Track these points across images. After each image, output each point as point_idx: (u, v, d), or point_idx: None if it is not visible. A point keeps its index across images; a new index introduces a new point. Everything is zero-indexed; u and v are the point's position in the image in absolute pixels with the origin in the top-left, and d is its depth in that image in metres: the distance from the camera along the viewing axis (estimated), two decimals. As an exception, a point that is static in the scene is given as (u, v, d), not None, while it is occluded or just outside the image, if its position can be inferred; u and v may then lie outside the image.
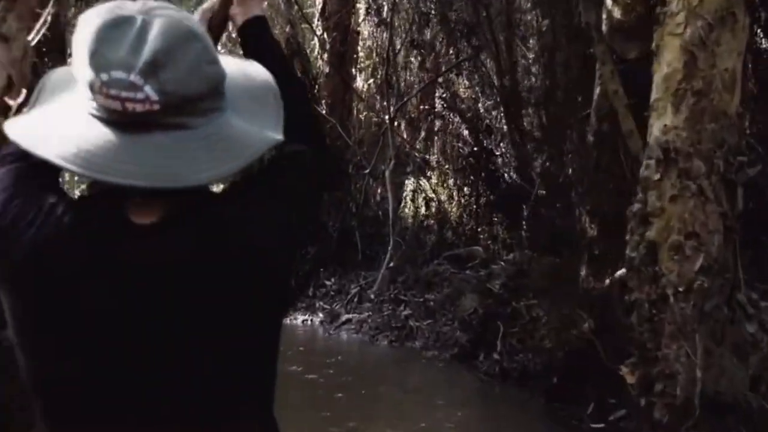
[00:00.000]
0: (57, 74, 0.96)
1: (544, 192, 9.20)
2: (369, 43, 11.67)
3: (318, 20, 11.09)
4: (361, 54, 11.68)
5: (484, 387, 6.24)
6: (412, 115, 10.54)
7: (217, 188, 1.04)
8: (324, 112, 10.70)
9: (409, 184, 11.54)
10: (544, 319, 6.57)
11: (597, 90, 5.20)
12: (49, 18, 2.29)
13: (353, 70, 11.44)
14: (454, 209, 10.96)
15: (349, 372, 7.34)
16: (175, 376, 0.89)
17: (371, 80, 11.38)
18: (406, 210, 11.86)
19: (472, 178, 10.59)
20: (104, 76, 0.80)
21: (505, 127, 9.84)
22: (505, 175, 10.40)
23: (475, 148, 10.18)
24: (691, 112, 3.25)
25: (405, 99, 9.91)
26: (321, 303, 9.81)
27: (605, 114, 5.07)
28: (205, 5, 1.25)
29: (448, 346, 7.54)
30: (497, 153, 10.21)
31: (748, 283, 3.60)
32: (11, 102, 1.99)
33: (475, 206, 10.80)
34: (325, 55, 11.04)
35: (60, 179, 0.98)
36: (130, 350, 0.87)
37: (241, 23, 1.22)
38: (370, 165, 10.07)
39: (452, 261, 9.81)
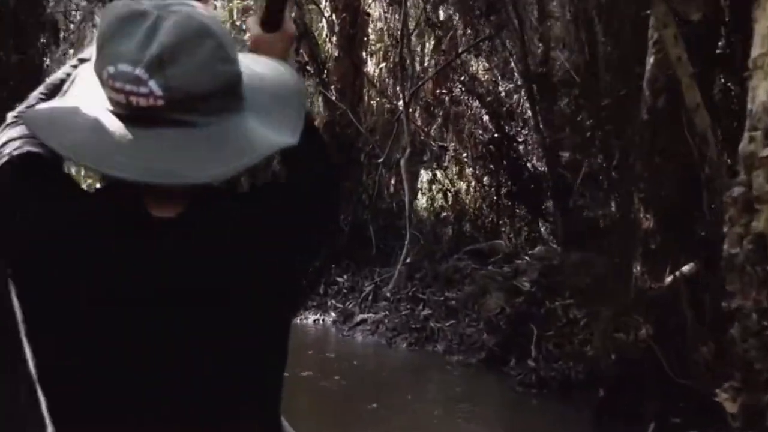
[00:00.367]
0: (87, 66, 0.94)
1: (572, 181, 8.51)
2: (380, 24, 10.97)
3: (326, 1, 10.40)
4: (372, 36, 10.99)
5: (519, 398, 5.58)
6: (428, 100, 9.84)
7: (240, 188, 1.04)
8: (333, 98, 10.03)
9: (425, 174, 10.86)
10: (583, 322, 5.90)
11: (650, 59, 4.50)
12: None
13: (364, 53, 10.74)
14: (473, 200, 10.28)
15: (365, 378, 6.71)
16: (176, 374, 0.88)
17: (383, 64, 10.68)
18: (422, 202, 11.20)
19: (492, 166, 9.91)
20: (111, 69, 0.80)
21: (528, 111, 9.14)
22: (528, 163, 9.71)
23: (496, 135, 9.50)
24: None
25: (420, 82, 9.21)
26: (333, 301, 9.15)
27: (662, 87, 4.39)
28: None
29: (473, 350, 6.88)
30: (520, 140, 9.50)
31: None
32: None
33: (495, 197, 10.13)
34: (334, 38, 10.37)
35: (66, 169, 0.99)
36: (132, 347, 0.87)
37: None
38: (384, 154, 9.39)
39: (473, 256, 9.14)
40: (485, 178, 10.09)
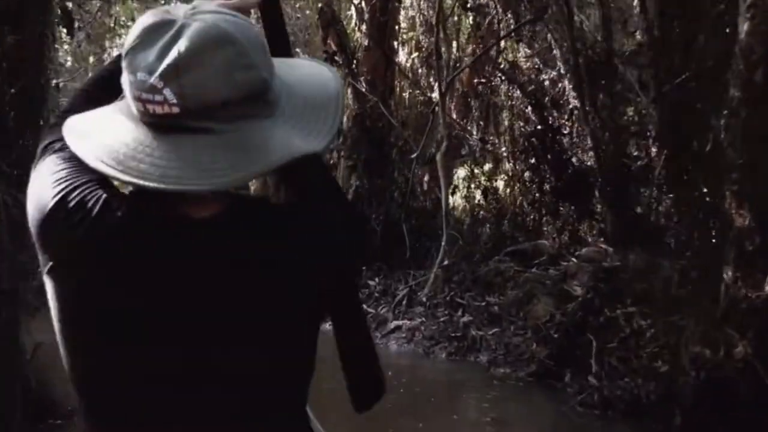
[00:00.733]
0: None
1: (627, 174, 7.78)
2: (412, 12, 10.34)
3: (355, -13, 9.83)
4: (403, 25, 10.36)
5: (579, 420, 4.91)
6: (464, 91, 9.17)
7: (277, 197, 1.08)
8: (363, 90, 9.42)
9: (460, 170, 10.19)
10: (649, 333, 5.21)
11: (744, 26, 3.81)
12: None
13: (395, 42, 10.12)
14: (513, 198, 9.59)
15: (400, 392, 6.08)
16: (209, 376, 0.88)
17: (416, 54, 10.05)
18: (457, 200, 10.54)
19: (534, 161, 9.20)
20: (132, 78, 0.82)
21: (575, 100, 8.43)
22: (573, 157, 8.99)
23: (539, 127, 8.79)
24: None
25: (458, 71, 8.55)
26: (364, 306, 8.48)
27: (759, 58, 3.69)
28: None
29: (522, 363, 6.22)
30: (564, 131, 8.79)
31: None
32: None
33: (537, 194, 9.42)
34: (364, 26, 9.77)
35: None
36: (166, 347, 0.88)
37: None
38: (418, 148, 8.75)
39: (515, 257, 8.47)
40: (526, 174, 9.39)
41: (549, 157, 8.69)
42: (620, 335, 5.30)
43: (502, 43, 8.91)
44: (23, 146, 4.31)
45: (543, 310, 6.80)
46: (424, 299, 8.09)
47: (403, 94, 10.06)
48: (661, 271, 5.24)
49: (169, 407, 0.89)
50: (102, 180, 0.88)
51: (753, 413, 3.66)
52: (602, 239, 8.65)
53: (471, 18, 9.10)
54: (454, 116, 9.85)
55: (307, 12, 13.90)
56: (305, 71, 0.95)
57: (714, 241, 4.08)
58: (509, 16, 8.76)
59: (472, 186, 9.61)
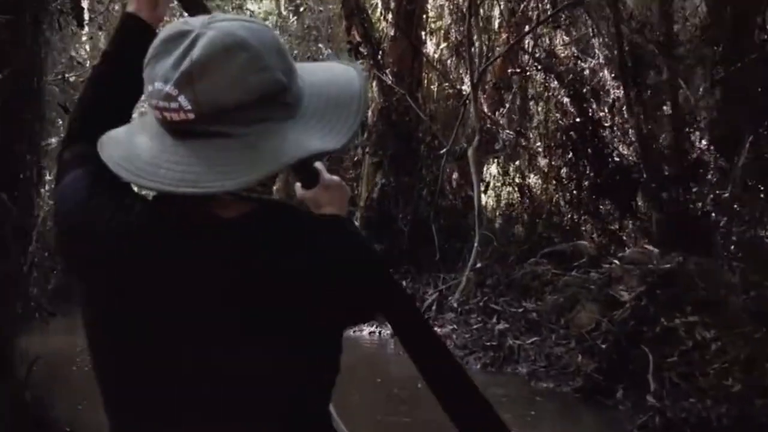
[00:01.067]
0: None
1: (675, 169, 7.18)
2: (440, 0, 9.80)
3: (380, -26, 9.32)
4: (431, 13, 9.82)
5: (638, 444, 4.33)
6: (495, 82, 8.61)
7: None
8: (390, 82, 8.91)
9: (491, 166, 9.63)
10: (715, 345, 4.62)
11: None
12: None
13: (423, 32, 9.59)
14: (549, 196, 9.00)
15: (431, 408, 5.54)
16: (220, 375, 0.88)
17: (444, 44, 9.51)
18: (489, 197, 9.99)
19: (571, 156, 8.63)
20: (150, 87, 0.84)
21: (616, 90, 7.83)
22: (614, 152, 8.39)
23: (578, 119, 8.21)
24: None
25: (491, 59, 7.99)
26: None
27: None
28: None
29: (566, 376, 5.65)
30: (606, 124, 8.19)
31: None
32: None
33: (575, 191, 8.83)
34: (390, 16, 9.25)
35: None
36: (176, 347, 0.89)
37: None
38: (449, 143, 8.21)
39: (552, 259, 7.88)
40: (563, 170, 8.81)
41: (588, 151, 8.12)
42: (680, 348, 4.71)
43: (538, 30, 8.32)
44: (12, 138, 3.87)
45: (587, 317, 6.22)
46: (456, 305, 7.56)
47: (431, 87, 9.52)
48: (720, 275, 4.65)
49: (181, 407, 0.90)
50: (123, 187, 0.92)
51: None
52: (646, 240, 8.06)
53: (504, 4, 8.54)
54: (485, 110, 9.28)
55: (330, 6, 13.44)
56: (330, 72, 0.95)
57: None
58: (546, 0, 8.19)
59: (505, 183, 9.04)
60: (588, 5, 7.71)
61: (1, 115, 3.84)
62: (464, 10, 8.09)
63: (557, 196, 8.98)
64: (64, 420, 4.48)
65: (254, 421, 0.89)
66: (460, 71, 9.34)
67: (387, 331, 7.61)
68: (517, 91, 8.73)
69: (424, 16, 9.54)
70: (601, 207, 8.76)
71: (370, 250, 0.99)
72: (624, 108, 8.12)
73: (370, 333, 7.71)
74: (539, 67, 8.16)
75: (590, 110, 8.16)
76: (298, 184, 1.18)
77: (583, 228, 8.93)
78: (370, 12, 9.48)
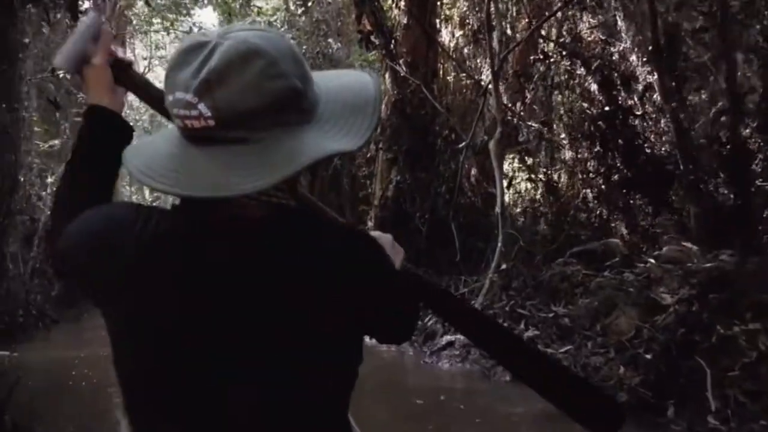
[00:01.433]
0: None
1: (716, 160, 6.60)
2: (456, -14, 9.25)
3: (391, -41, 8.78)
4: (446, 0, 9.27)
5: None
6: (517, 70, 8.04)
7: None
8: (403, 73, 8.38)
9: (513, 160, 9.06)
10: (783, 357, 4.04)
11: None
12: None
13: (437, 19, 9.04)
14: (576, 190, 8.43)
15: (456, 424, 5.06)
16: (236, 377, 0.89)
17: (460, 32, 8.96)
18: (510, 194, 9.43)
19: (599, 147, 8.05)
20: (170, 97, 0.88)
21: (650, 75, 7.25)
22: (647, 142, 7.81)
23: (607, 108, 7.63)
24: None
25: (513, 45, 7.43)
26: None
27: None
28: None
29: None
30: (638, 113, 7.61)
31: None
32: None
33: (604, 186, 8.26)
34: (402, 2, 8.72)
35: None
36: (191, 349, 0.90)
37: None
38: (468, 137, 7.66)
39: (581, 259, 7.32)
40: (591, 163, 8.23)
41: (618, 142, 7.54)
42: (743, 360, 4.14)
43: (562, 13, 7.75)
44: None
45: (627, 323, 5.67)
46: (479, 309, 7.00)
47: (447, 78, 8.97)
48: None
49: (203, 408, 0.91)
50: (136, 205, 1.00)
51: None
52: (684, 237, 7.48)
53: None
54: (505, 101, 8.72)
55: (339, -2, 12.95)
56: (345, 78, 0.98)
57: None
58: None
59: (530, 179, 8.48)
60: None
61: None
62: (482, -7, 7.55)
63: (584, 190, 8.41)
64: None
65: (275, 423, 0.91)
66: (478, 60, 8.78)
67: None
68: (540, 80, 8.16)
69: (439, 2, 9.00)
70: (632, 202, 8.20)
71: (383, 253, 0.98)
72: (657, 95, 7.55)
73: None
74: (564, 52, 7.58)
75: (620, 98, 7.58)
76: None
77: (613, 225, 8.37)
78: (381, -1, 8.95)
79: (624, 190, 8.05)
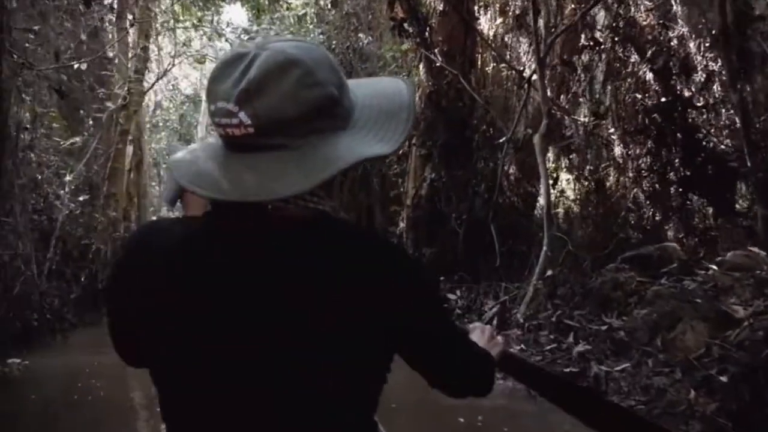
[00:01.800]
0: None
1: None
2: (495, -30, 8.61)
3: (426, -59, 8.18)
4: (484, -15, 8.65)
5: None
6: (565, 57, 7.38)
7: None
8: (439, 63, 7.78)
9: (554, 157, 8.39)
10: None
11: None
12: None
13: (476, 6, 8.42)
14: (627, 190, 7.74)
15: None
16: (260, 374, 0.91)
17: (500, 19, 8.33)
18: (553, 193, 8.76)
19: (653, 144, 7.36)
20: (212, 107, 0.91)
21: (714, 63, 6.54)
22: (707, 137, 7.10)
23: (663, 99, 6.94)
24: None
25: (560, 30, 6.78)
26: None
27: None
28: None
29: (675, 417, 4.42)
30: (699, 104, 6.90)
31: None
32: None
33: (658, 185, 7.56)
34: (438, -12, 8.14)
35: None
36: (217, 348, 0.92)
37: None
38: (510, 131, 7.03)
39: (635, 265, 6.64)
40: (643, 159, 7.54)
41: (678, 136, 6.84)
42: None
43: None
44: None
45: (694, 339, 4.99)
46: (522, 319, 6.38)
47: (486, 68, 8.34)
48: None
49: (233, 405, 0.92)
50: (171, 220, 1.07)
51: None
52: (750, 241, 6.75)
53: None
54: (548, 92, 8.05)
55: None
56: (379, 84, 1.01)
57: None
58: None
59: (578, 177, 7.81)
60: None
61: None
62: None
63: (635, 190, 7.71)
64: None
65: (303, 420, 0.92)
66: (520, 49, 8.14)
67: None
68: (588, 69, 7.49)
69: (477, -12, 8.38)
70: (688, 203, 7.49)
71: (420, 264, 1.01)
72: (717, 84, 6.84)
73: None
74: (616, 38, 6.91)
75: (678, 88, 6.89)
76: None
77: (667, 227, 7.67)
78: (415, -16, 8.35)
79: (680, 189, 7.35)
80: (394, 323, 0.92)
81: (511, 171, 8.46)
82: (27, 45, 6.35)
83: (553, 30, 7.37)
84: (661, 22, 6.76)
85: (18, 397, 5.49)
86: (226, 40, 16.03)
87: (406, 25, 7.92)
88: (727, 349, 4.68)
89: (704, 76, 6.83)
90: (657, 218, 7.73)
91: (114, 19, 12.09)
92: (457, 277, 7.40)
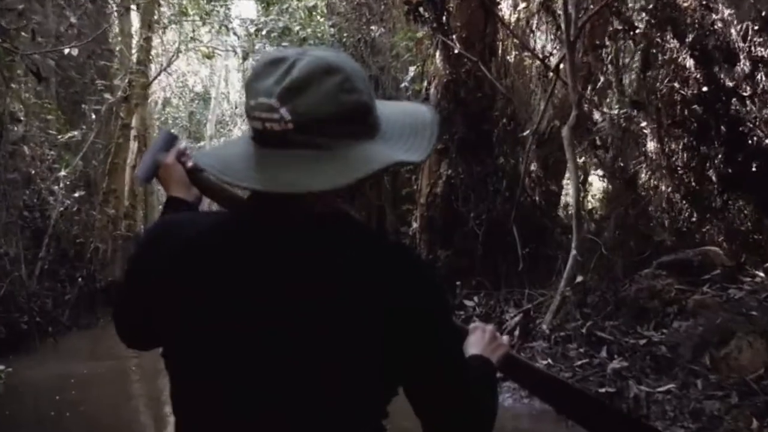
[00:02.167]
0: None
1: None
2: (517, -49, 7.99)
3: None
4: (506, -33, 8.03)
5: None
6: (592, 44, 6.76)
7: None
8: (457, 49, 7.18)
9: (581, 152, 7.75)
10: None
11: None
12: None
13: (496, -10, 7.81)
14: (662, 189, 7.12)
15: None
16: (270, 370, 0.93)
17: (524, 3, 7.72)
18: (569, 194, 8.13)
19: (692, 138, 6.73)
20: (253, 102, 0.95)
21: (762, 48, 5.91)
22: (753, 131, 6.46)
23: (705, 89, 6.31)
24: None
25: (592, 11, 6.14)
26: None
27: None
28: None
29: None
30: (744, 94, 6.27)
31: None
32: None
33: (696, 184, 6.93)
34: (456, -31, 7.54)
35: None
36: (256, 337, 0.94)
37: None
38: (535, 123, 6.43)
39: (673, 270, 6.02)
40: (680, 155, 6.91)
41: (722, 129, 6.21)
42: None
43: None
44: None
45: (751, 358, 4.38)
46: (548, 330, 5.77)
47: (507, 57, 7.73)
48: None
49: (244, 398, 0.94)
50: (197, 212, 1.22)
51: None
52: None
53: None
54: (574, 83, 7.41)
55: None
56: (403, 106, 1.06)
57: None
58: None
59: (612, 174, 7.19)
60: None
61: None
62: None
63: (670, 188, 7.08)
64: None
65: (311, 422, 0.93)
66: (545, 37, 7.54)
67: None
68: (618, 57, 6.87)
69: (498, -31, 7.76)
70: (730, 203, 6.86)
71: (432, 271, 1.06)
72: (765, 73, 6.21)
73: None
74: (653, 21, 6.28)
75: (721, 76, 6.25)
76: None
77: (705, 229, 7.03)
78: (432, -34, 7.74)
79: (721, 189, 6.72)
80: (400, 335, 0.92)
81: (532, 168, 7.85)
82: (10, 27, 5.81)
83: (583, 12, 6.74)
84: (704, 3, 6.12)
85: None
86: (235, 34, 15.57)
87: (421, 9, 7.32)
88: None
89: (750, 63, 6.19)
90: (693, 220, 7.09)
91: (115, 7, 11.59)
92: (475, 282, 6.80)
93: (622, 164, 7.13)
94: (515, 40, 7.62)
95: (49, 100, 9.95)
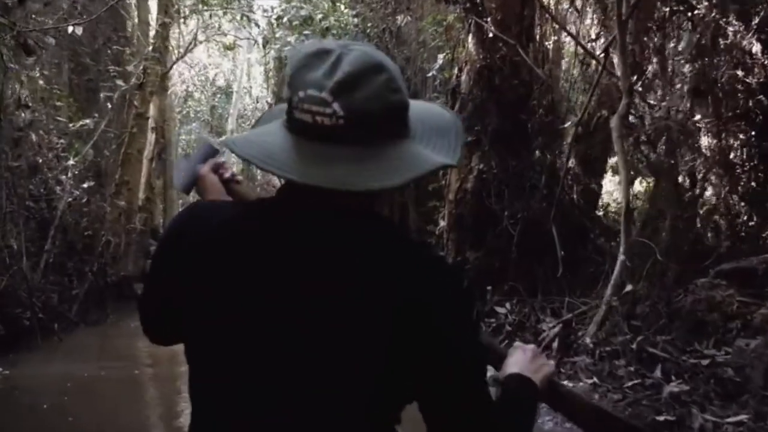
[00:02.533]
0: (275, 108, 1.13)
1: None
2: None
3: None
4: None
5: None
6: (648, 25, 6.11)
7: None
8: (492, 33, 6.57)
9: (631, 150, 7.08)
10: None
11: None
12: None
13: (535, -31, 7.18)
14: (718, 188, 6.45)
15: None
16: (279, 365, 0.92)
17: (565, -16, 7.10)
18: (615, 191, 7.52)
19: (752, 133, 6.07)
20: (301, 94, 0.93)
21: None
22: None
23: (763, 80, 5.65)
24: None
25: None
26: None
27: None
28: None
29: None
30: (817, 83, 5.58)
31: None
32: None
33: (755, 183, 6.26)
34: (491, -54, 6.92)
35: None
36: (274, 329, 0.93)
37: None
38: (580, 113, 5.80)
39: (732, 280, 5.36)
40: (737, 153, 6.24)
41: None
42: None
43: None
44: None
45: (840, 386, 3.73)
46: (591, 344, 5.15)
47: (546, 43, 7.10)
48: None
49: (259, 390, 0.93)
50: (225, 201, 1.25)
51: None
52: None
53: None
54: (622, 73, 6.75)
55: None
56: (426, 106, 1.07)
57: None
58: None
59: (651, 170, 6.54)
60: None
61: None
62: None
63: (727, 188, 6.41)
64: None
65: (323, 411, 0.91)
66: (588, 20, 6.91)
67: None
68: (672, 43, 6.22)
69: (537, -52, 7.13)
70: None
71: (461, 276, 1.00)
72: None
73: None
74: (713, 1, 5.62)
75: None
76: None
77: (765, 234, 6.35)
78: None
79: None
80: (407, 333, 0.90)
81: (569, 163, 7.22)
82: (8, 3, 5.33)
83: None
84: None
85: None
86: (256, 25, 15.15)
87: (452, -12, 6.74)
88: None
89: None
90: (749, 224, 6.41)
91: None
92: (508, 287, 6.20)
93: (672, 161, 6.47)
94: (555, 25, 7.00)
95: (60, 87, 9.53)
